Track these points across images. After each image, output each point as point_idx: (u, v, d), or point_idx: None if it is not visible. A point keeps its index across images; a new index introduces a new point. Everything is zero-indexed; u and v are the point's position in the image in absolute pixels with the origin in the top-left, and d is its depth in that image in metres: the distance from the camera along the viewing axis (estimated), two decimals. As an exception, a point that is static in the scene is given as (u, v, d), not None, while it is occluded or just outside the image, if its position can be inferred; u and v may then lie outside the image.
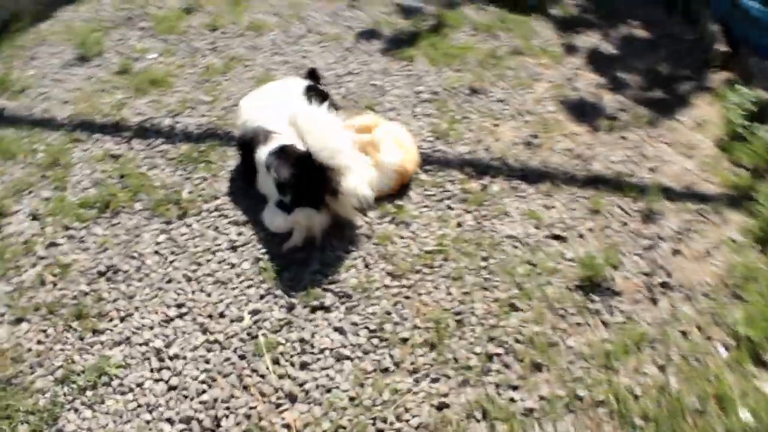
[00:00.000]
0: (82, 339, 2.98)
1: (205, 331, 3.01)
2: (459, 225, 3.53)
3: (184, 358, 2.89)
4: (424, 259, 3.32)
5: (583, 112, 4.38)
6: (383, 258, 3.34)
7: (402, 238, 3.46)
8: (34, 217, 3.63)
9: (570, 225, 3.51)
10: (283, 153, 3.48)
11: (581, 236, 3.45)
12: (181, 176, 3.90)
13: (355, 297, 3.14)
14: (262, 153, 3.53)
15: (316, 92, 3.87)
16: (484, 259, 3.33)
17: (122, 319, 3.07)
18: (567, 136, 4.15)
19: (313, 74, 4.14)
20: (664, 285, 3.15)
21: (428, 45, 5.10)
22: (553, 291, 3.14)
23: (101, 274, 3.29)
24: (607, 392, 2.70)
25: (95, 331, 3.01)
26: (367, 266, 3.30)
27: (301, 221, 3.32)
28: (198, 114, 4.43)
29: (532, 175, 3.85)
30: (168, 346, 2.95)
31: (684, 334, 2.93)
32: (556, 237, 3.44)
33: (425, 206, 3.66)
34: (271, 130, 3.61)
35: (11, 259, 3.37)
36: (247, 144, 3.68)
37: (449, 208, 3.65)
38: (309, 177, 3.28)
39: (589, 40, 5.27)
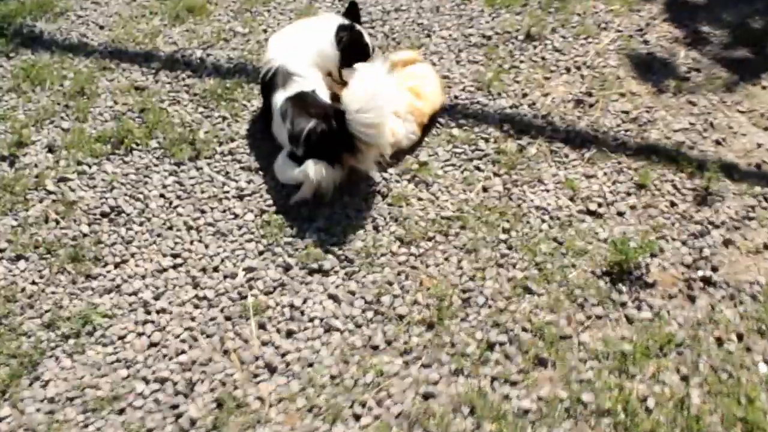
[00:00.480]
0: (74, 283, 2.91)
1: (196, 285, 2.87)
2: (485, 190, 3.21)
3: (170, 313, 2.78)
4: (439, 226, 3.05)
5: (650, 69, 3.86)
6: (395, 221, 3.08)
7: (419, 200, 3.19)
8: (51, 149, 3.56)
9: (610, 200, 3.12)
10: (300, 101, 3.23)
11: (620, 214, 3.06)
12: (202, 114, 3.73)
13: (357, 262, 2.91)
14: (279, 98, 3.29)
15: (350, 33, 3.54)
16: (506, 231, 3.01)
17: (116, 266, 2.97)
18: (625, 96, 3.68)
19: (352, 11, 3.79)
20: (705, 280, 2.76)
21: (487, -19, 4.62)
22: (576, 275, 2.81)
23: (104, 215, 3.19)
24: (615, 400, 2.39)
25: (88, 276, 2.93)
26: (375, 228, 3.06)
27: (311, 175, 3.07)
28: (230, 47, 4.22)
29: (576, 139, 3.45)
30: (157, 298, 2.83)
31: (719, 341, 2.56)
32: (591, 213, 3.07)
33: (451, 165, 3.35)
34: (293, 73, 3.35)
35: (21, 192, 3.31)
36: (267, 85, 3.44)
37: (477, 169, 3.33)
38: (326, 131, 3.03)
39: (673, -17, 4.62)
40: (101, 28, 4.47)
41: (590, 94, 3.70)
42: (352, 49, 3.51)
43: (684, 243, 2.92)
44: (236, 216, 3.15)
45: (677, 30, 4.15)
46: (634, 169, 3.26)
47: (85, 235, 3.10)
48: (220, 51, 4.18)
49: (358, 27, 3.63)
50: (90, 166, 3.44)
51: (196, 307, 2.80)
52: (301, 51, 3.45)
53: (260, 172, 3.35)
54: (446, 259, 2.92)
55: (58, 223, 3.17)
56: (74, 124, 3.70)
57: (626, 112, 3.58)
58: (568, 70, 3.88)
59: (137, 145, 3.54)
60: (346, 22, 3.61)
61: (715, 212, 3.03)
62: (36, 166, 3.47)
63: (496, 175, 3.28)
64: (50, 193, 3.31)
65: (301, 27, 3.72)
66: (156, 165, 3.44)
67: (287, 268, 2.90)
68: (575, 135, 3.46)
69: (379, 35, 4.21)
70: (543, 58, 3.96)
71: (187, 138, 3.54)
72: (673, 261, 2.84)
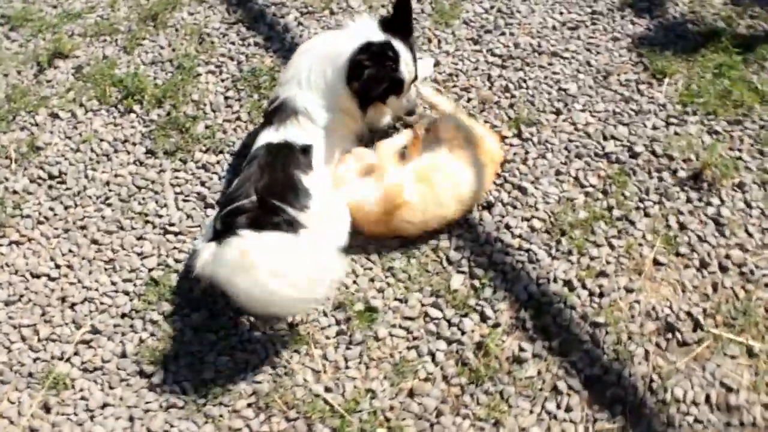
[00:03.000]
0: None
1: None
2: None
3: None
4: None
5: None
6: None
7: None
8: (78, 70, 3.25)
9: None
10: (272, 157, 2.46)
11: None
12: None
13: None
14: (261, 138, 2.58)
15: (372, 59, 2.45)
16: None
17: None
18: None
19: (397, 16, 2.53)
20: None
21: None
22: None
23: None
24: None
25: None
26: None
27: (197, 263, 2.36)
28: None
29: None
30: None
31: None
32: None
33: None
34: (299, 110, 2.56)
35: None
36: (266, 118, 2.68)
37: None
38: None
39: None
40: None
41: None
42: (373, 84, 2.49)
43: None
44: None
45: None
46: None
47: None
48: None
49: (393, 45, 2.49)
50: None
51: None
52: (313, 80, 2.57)
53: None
54: None
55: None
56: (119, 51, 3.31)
57: None
58: None
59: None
60: (377, 37, 2.48)
61: None
62: (54, 85, 3.21)
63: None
64: (35, 125, 3.05)
65: (323, 43, 2.70)
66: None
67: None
68: None
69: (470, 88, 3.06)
70: None
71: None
72: None
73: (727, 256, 2.46)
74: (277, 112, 2.57)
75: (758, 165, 2.69)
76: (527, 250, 2.52)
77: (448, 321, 2.38)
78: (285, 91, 2.58)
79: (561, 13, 3.34)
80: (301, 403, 2.24)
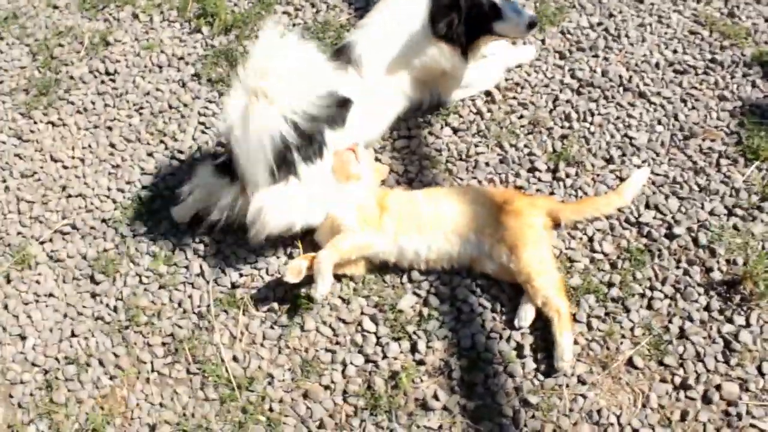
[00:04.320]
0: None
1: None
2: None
3: None
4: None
5: None
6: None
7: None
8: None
9: None
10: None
11: None
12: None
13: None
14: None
15: None
16: None
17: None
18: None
19: None
20: None
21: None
22: None
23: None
24: None
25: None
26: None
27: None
28: None
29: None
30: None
31: None
32: None
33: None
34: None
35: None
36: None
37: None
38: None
39: None
40: None
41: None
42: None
43: None
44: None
45: None
46: None
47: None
48: None
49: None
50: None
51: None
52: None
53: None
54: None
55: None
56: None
57: None
58: None
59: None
60: None
61: None
62: None
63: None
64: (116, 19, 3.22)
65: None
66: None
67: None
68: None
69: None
70: None
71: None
72: None
73: (719, 387, 2.07)
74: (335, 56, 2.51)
75: (812, 297, 2.20)
76: (495, 297, 2.29)
77: (378, 338, 2.25)
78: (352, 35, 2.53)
79: (674, 52, 2.89)
80: (205, 361, 2.24)
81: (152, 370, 2.25)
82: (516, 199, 2.33)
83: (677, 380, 2.10)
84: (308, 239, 2.41)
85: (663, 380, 2.11)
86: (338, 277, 2.34)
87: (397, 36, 2.49)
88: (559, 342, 2.11)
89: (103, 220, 2.60)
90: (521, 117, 2.73)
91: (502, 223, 2.26)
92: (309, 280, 2.24)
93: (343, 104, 2.39)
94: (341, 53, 2.52)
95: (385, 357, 2.20)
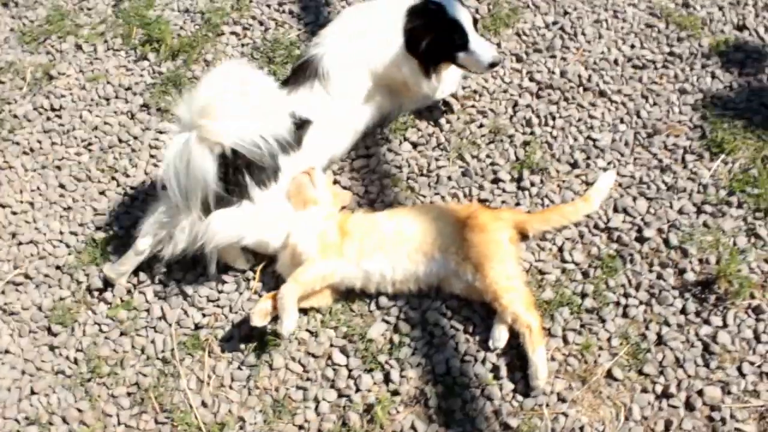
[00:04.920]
0: None
1: None
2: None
3: None
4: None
5: None
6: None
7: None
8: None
9: None
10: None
11: None
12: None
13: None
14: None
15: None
16: None
17: None
18: None
19: None
20: None
21: None
22: None
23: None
24: None
25: None
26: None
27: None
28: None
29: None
30: None
31: None
32: None
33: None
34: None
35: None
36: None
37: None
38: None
39: None
40: None
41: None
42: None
43: None
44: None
45: None
46: None
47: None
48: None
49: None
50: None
51: None
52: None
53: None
54: None
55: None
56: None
57: None
58: None
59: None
60: None
61: None
62: (91, 15, 3.23)
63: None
64: (59, 51, 3.09)
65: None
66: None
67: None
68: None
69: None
70: None
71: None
72: None
73: (701, 393, 2.03)
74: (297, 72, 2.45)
75: (788, 292, 2.17)
76: (467, 319, 2.22)
77: (349, 371, 2.17)
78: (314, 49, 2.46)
79: (632, 47, 2.84)
80: (174, 409, 2.15)
81: (119, 423, 2.15)
82: (480, 214, 2.26)
83: (658, 389, 2.05)
84: (270, 271, 2.33)
85: (644, 390, 2.06)
86: (304, 311, 2.26)
87: (368, 49, 2.43)
88: (532, 360, 2.05)
89: (57, 267, 2.49)
90: (481, 126, 2.66)
91: (467, 239, 2.19)
92: (275, 315, 2.15)
93: (300, 126, 2.31)
94: (304, 68, 2.43)
95: (358, 390, 2.13)
